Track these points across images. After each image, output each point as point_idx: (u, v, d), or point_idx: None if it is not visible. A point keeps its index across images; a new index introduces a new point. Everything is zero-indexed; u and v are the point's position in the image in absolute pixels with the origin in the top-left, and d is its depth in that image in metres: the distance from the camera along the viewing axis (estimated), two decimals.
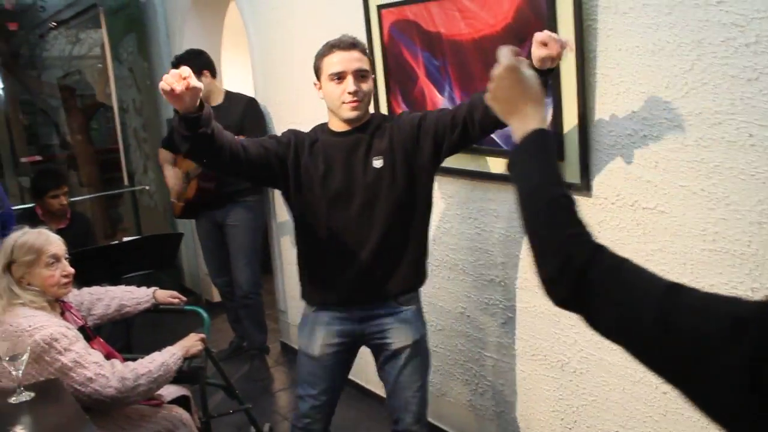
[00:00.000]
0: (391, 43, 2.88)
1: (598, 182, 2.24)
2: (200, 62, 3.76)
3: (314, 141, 2.27)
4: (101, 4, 6.22)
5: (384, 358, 2.41)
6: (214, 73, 3.88)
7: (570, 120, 2.24)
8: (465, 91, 2.57)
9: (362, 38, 3.01)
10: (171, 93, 1.82)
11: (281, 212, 4.09)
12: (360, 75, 2.17)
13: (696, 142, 1.94)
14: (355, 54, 2.18)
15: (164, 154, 4.10)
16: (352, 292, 2.32)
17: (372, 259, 2.26)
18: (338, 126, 2.25)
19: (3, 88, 7.79)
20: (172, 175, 3.99)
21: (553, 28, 2.18)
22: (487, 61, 2.43)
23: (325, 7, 3.35)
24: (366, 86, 2.19)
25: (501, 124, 2.27)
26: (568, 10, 2.14)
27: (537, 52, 1.91)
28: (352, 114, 2.19)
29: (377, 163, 2.22)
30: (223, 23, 4.96)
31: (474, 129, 2.13)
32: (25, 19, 7.99)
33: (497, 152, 2.53)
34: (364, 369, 3.64)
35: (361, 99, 2.17)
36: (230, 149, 2.07)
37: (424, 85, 2.76)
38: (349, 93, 2.15)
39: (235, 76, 5.09)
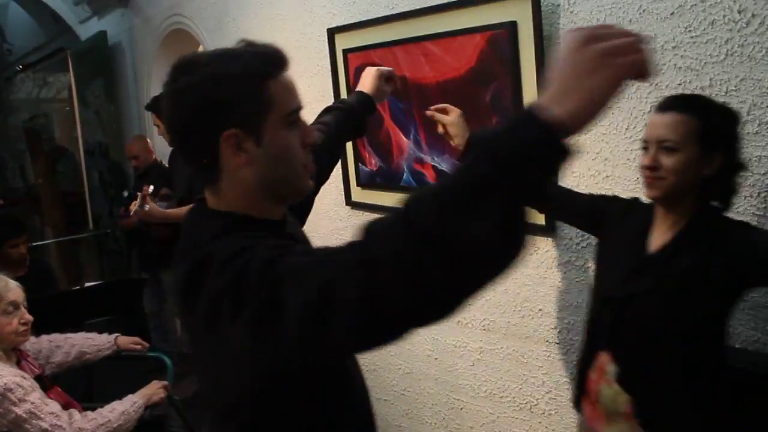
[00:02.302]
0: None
1: (563, 223, 2.25)
2: None
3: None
4: (69, 48, 6.22)
5: None
6: None
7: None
8: (430, 134, 2.59)
9: (328, 82, 3.05)
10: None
11: None
12: None
13: None
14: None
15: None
16: None
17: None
18: (272, 211, 1.15)
19: None
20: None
21: (516, 72, 2.22)
22: (451, 103, 2.46)
23: (292, 52, 3.36)
24: None
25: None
26: (531, 55, 2.18)
27: (386, 87, 1.88)
28: (311, 184, 1.18)
29: None
30: None
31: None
32: None
33: None
34: None
35: None
36: None
37: (389, 127, 2.77)
38: (308, 145, 1.14)
39: None
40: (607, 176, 2.08)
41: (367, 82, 1.86)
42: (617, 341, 1.62)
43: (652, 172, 1.54)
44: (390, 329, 0.86)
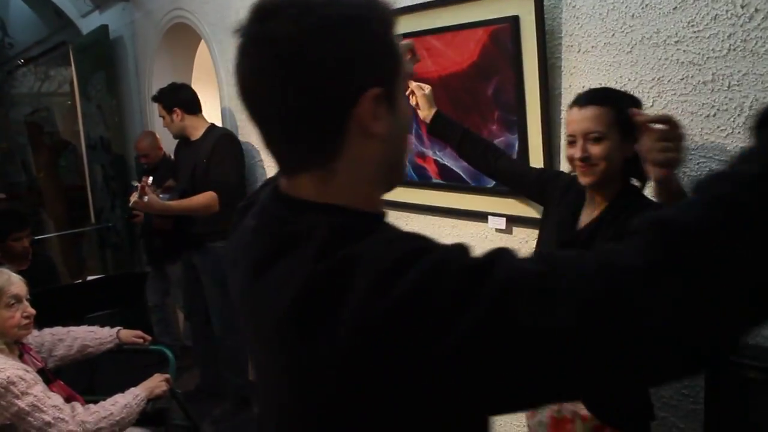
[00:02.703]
0: None
1: None
2: (171, 100, 3.74)
3: None
4: (70, 42, 6.20)
5: None
6: (191, 109, 3.81)
7: (536, 156, 2.26)
8: None
9: None
10: None
11: None
12: None
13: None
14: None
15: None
16: None
17: None
18: (380, 205, 0.89)
19: None
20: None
21: (518, 67, 2.22)
22: (454, 98, 2.46)
23: None
24: None
25: None
26: (533, 49, 2.17)
27: (408, 65, 1.31)
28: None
29: None
30: (194, 61, 4.97)
31: None
32: None
33: (464, 188, 2.55)
34: None
35: None
36: None
37: None
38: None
39: (206, 113, 5.08)
40: None
41: None
42: None
43: (584, 161, 1.69)
44: (688, 365, 0.65)
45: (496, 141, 2.37)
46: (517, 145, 2.29)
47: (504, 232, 2.47)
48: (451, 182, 2.59)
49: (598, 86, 2.08)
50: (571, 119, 1.73)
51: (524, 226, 2.39)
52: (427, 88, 2.18)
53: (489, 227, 2.49)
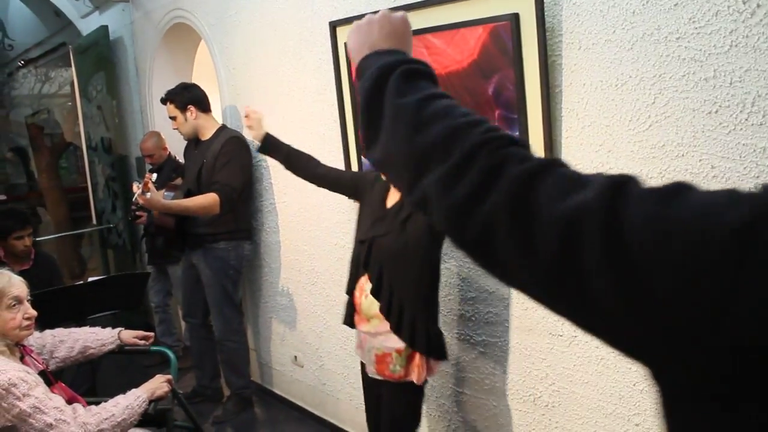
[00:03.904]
0: None
1: None
2: (184, 98, 3.75)
3: None
4: (70, 43, 6.20)
5: None
6: (204, 107, 3.83)
7: (537, 154, 2.25)
8: None
9: (331, 76, 3.04)
10: None
11: (253, 256, 4.04)
12: None
13: (660, 174, 1.96)
14: None
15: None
16: None
17: None
18: None
19: None
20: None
21: (519, 64, 2.21)
22: (454, 96, 2.45)
23: (295, 45, 3.36)
24: None
25: None
26: (533, 47, 2.17)
27: None
28: None
29: None
30: (194, 61, 4.96)
31: None
32: None
33: None
34: (336, 406, 3.59)
35: None
36: None
37: None
38: None
39: None
40: (610, 168, 2.08)
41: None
42: (369, 267, 2.39)
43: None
44: None
45: None
46: None
47: None
48: None
49: (599, 83, 2.07)
50: None
51: None
52: (260, 113, 2.86)
53: None
